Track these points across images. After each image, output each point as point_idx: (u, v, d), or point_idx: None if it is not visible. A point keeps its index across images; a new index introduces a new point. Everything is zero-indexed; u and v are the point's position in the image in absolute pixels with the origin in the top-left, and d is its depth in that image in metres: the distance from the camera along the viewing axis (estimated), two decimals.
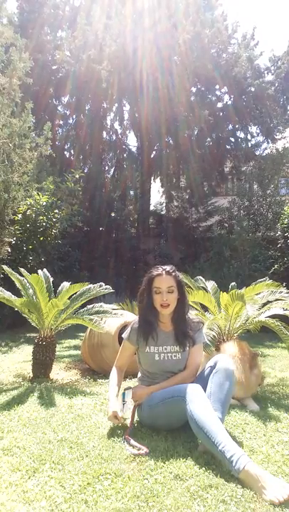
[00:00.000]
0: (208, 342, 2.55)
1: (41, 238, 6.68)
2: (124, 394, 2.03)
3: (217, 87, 11.09)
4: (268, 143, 11.73)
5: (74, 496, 1.34)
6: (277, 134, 11.68)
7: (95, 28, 9.71)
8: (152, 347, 2.05)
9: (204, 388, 1.84)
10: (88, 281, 3.54)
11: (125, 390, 2.05)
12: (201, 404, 1.68)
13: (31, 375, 3.19)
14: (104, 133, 12.05)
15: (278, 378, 3.24)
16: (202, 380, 1.95)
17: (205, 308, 3.21)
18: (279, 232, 7.68)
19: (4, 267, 3.55)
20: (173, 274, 2.04)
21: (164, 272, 2.03)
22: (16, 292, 3.29)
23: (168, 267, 2.06)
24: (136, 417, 2.04)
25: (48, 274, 3.48)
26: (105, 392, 2.63)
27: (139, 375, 2.17)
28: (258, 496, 1.33)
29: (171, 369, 2.03)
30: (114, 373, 2.15)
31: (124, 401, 2.01)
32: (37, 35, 9.60)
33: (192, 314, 2.23)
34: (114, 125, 12.22)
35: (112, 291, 3.32)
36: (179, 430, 1.90)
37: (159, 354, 2.03)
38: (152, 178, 12.17)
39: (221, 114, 11.24)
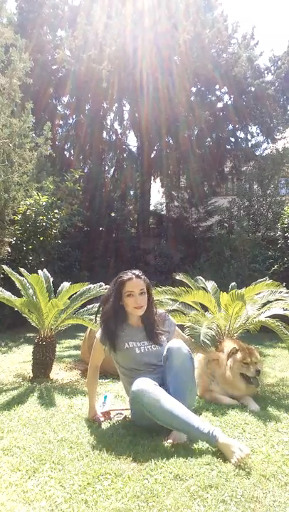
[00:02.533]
0: (207, 341, 2.54)
1: (41, 238, 6.68)
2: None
3: (217, 87, 11.09)
4: (268, 143, 11.75)
5: (74, 496, 1.34)
6: (278, 134, 11.69)
7: (95, 27, 9.69)
8: (131, 342, 2.09)
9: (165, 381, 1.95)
10: (88, 281, 3.54)
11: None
12: (150, 398, 1.74)
13: (31, 375, 3.19)
14: (104, 133, 12.05)
15: (278, 378, 3.24)
16: (162, 373, 2.04)
17: (205, 308, 3.21)
18: (279, 232, 7.68)
19: (4, 267, 3.55)
20: (142, 277, 2.14)
21: (134, 276, 2.11)
22: (16, 292, 3.29)
23: (136, 271, 2.14)
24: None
25: (48, 274, 3.48)
26: (105, 391, 2.63)
27: (123, 381, 2.17)
28: (228, 459, 1.55)
29: (153, 361, 2.07)
30: (94, 376, 2.21)
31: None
32: (37, 35, 9.60)
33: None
34: (114, 125, 12.24)
35: None
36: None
37: (139, 348, 2.08)
38: (152, 178, 12.16)
39: (221, 114, 11.24)
